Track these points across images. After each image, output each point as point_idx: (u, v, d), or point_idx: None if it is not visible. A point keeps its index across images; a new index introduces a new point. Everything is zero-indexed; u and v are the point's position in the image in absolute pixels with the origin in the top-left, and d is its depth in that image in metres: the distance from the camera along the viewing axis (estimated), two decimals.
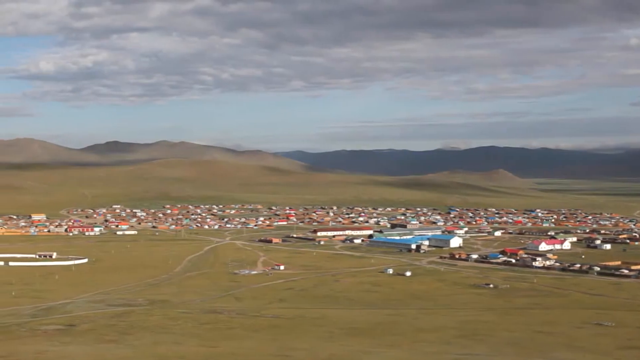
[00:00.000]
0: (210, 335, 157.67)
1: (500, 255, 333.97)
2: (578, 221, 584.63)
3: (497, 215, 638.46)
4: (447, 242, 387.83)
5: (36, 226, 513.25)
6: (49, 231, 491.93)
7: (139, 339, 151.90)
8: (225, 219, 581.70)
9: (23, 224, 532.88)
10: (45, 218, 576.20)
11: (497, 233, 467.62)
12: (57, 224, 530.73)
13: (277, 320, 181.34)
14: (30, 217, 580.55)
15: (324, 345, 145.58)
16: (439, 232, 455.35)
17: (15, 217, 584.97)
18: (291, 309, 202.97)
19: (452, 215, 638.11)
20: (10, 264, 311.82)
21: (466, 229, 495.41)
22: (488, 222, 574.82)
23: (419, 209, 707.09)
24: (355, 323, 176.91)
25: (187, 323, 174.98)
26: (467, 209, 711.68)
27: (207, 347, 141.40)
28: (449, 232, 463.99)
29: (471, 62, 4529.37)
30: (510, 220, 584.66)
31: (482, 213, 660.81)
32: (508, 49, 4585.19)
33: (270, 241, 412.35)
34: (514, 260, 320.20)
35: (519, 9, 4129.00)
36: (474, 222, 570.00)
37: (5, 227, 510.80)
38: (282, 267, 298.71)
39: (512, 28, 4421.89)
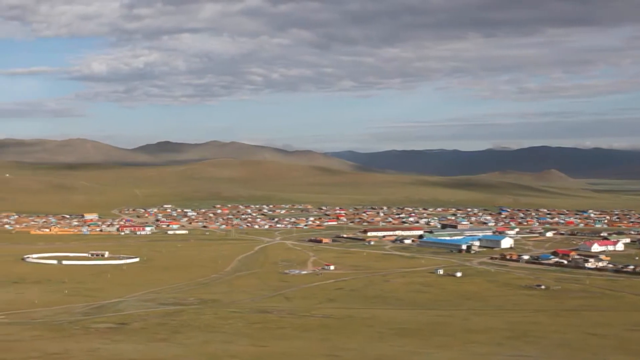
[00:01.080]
0: (260, 334, 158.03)
1: (552, 256, 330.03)
2: (631, 222, 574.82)
3: (548, 215, 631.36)
4: (498, 242, 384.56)
5: (88, 225, 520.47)
6: (100, 230, 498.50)
7: (189, 337, 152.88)
8: (275, 219, 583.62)
9: (75, 223, 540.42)
10: (97, 217, 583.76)
11: (549, 234, 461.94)
12: (108, 223, 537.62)
13: (327, 320, 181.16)
14: (82, 216, 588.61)
15: (373, 345, 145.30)
16: (489, 233, 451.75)
17: (68, 216, 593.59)
18: (341, 309, 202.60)
19: (502, 216, 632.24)
20: (64, 262, 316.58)
21: (517, 229, 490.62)
22: (539, 222, 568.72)
23: (469, 210, 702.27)
24: (405, 323, 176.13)
25: (238, 322, 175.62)
26: (518, 210, 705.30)
27: (257, 346, 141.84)
28: (500, 232, 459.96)
29: (522, 61, 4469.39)
30: (562, 221, 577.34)
31: (533, 214, 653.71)
32: (560, 48, 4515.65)
33: (320, 241, 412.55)
34: (565, 262, 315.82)
35: (571, 7, 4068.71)
36: (525, 223, 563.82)
37: (59, 226, 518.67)
38: (332, 267, 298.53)
39: (564, 27, 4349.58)
